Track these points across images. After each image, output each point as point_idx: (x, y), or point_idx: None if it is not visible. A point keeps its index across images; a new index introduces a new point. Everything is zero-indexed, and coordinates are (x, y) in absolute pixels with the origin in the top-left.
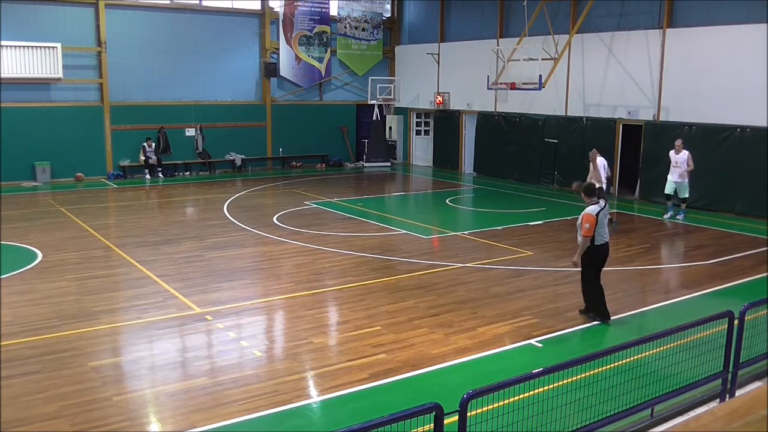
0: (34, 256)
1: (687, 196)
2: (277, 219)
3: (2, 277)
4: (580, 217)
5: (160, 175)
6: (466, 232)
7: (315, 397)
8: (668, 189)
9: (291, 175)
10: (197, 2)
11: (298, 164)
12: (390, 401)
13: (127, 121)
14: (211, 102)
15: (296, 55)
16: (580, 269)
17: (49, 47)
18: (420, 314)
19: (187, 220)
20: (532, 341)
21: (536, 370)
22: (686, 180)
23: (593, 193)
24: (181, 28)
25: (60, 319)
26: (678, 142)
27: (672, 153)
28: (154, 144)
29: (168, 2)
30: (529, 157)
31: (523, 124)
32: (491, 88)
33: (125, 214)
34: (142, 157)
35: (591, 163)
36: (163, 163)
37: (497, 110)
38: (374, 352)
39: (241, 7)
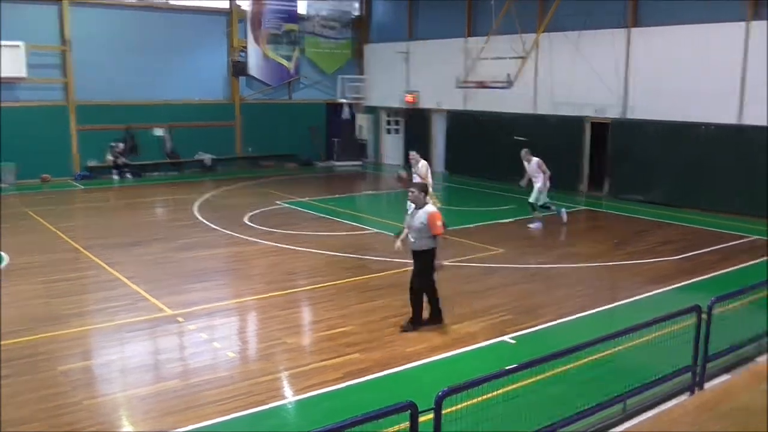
0: (1, 259)
1: (541, 203)
2: (248, 219)
3: None
4: (426, 217)
5: (129, 175)
6: None
7: (290, 397)
8: (533, 198)
9: (261, 175)
10: (164, 1)
11: (269, 164)
12: (365, 400)
13: (93, 120)
14: (180, 101)
15: (264, 53)
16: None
17: (12, 46)
18: (393, 313)
19: (157, 221)
20: (505, 338)
21: (509, 367)
22: (539, 184)
23: (427, 192)
24: (149, 26)
25: (29, 322)
26: (523, 153)
27: (525, 164)
28: (122, 144)
29: (134, 1)
30: (499, 156)
31: (492, 123)
32: (460, 87)
33: (93, 215)
34: (110, 158)
35: (412, 164)
36: (131, 163)
37: (467, 108)
38: (348, 352)
39: (208, 5)
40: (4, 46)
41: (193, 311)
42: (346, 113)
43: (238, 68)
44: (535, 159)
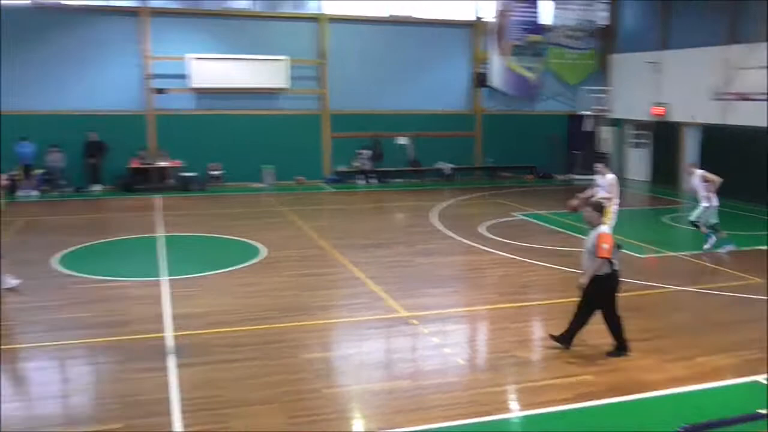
0: (260, 251)
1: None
2: (484, 229)
3: (233, 268)
4: (594, 237)
5: (373, 181)
6: (685, 253)
7: (515, 411)
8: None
9: (499, 186)
10: (412, 15)
11: (507, 175)
12: (593, 425)
13: (344, 128)
14: (423, 111)
15: (507, 65)
16: (582, 295)
17: (277, 60)
18: (630, 337)
19: (397, 226)
20: (759, 378)
21: (762, 411)
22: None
23: (602, 211)
24: (397, 39)
25: (280, 311)
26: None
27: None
28: (368, 151)
29: (385, 15)
30: (760, 175)
31: (753, 138)
32: (718, 99)
33: (340, 216)
34: (357, 164)
35: (600, 175)
36: (376, 169)
37: (725, 122)
38: (580, 372)
39: (454, 18)
40: (270, 59)
41: (426, 315)
42: (588, 125)
43: (481, 80)
44: (699, 171)
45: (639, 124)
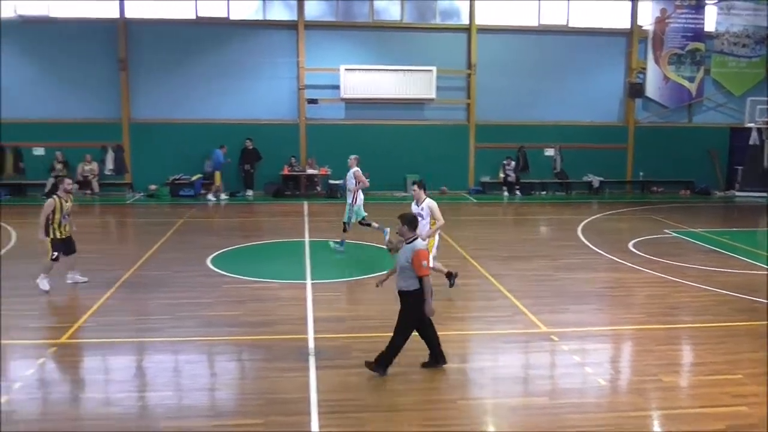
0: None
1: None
2: (632, 245)
3: (373, 275)
4: (410, 254)
5: (518, 192)
6: None
7: None
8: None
9: (651, 201)
10: (564, 24)
11: (660, 190)
12: None
13: (489, 139)
14: (572, 122)
15: (664, 74)
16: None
17: (425, 70)
18: None
19: (540, 239)
20: None
21: None
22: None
23: (414, 223)
24: (546, 48)
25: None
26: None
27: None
28: (513, 162)
29: (535, 24)
30: None
31: None
32: None
33: (482, 228)
34: (502, 175)
35: (414, 202)
36: (520, 181)
37: None
38: (733, 403)
39: (608, 26)
40: (419, 70)
41: (567, 332)
42: (753, 139)
43: (635, 90)
44: (355, 169)
45: None
